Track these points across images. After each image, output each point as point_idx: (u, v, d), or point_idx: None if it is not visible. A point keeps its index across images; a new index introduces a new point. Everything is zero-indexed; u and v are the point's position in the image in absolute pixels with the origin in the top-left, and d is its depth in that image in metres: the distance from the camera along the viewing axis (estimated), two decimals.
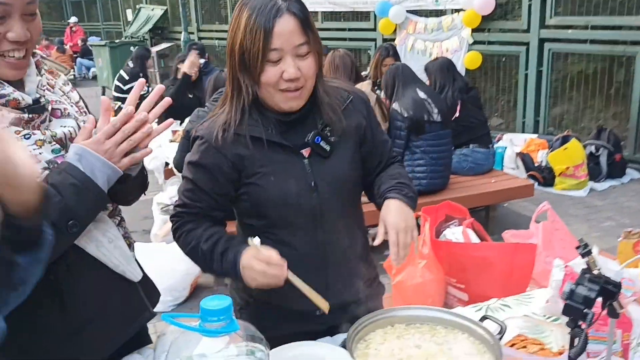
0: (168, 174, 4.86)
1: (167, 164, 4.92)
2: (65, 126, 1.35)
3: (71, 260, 1.32)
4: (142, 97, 1.41)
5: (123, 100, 7.68)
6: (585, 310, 1.03)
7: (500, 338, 1.38)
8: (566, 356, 1.33)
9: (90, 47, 14.75)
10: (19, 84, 1.30)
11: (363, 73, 5.33)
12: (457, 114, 4.56)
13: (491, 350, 1.31)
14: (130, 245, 1.52)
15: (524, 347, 1.54)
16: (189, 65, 5.75)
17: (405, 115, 3.98)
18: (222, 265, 1.44)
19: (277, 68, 1.40)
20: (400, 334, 1.39)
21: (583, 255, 1.29)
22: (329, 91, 1.55)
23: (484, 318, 1.47)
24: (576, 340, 1.05)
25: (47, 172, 1.27)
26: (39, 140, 1.28)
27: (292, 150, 1.51)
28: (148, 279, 1.62)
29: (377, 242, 1.46)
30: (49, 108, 1.33)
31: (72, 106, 1.42)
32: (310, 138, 1.50)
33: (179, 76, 5.88)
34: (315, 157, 1.52)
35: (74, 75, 15.79)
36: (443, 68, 4.69)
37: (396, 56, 5.29)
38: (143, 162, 1.43)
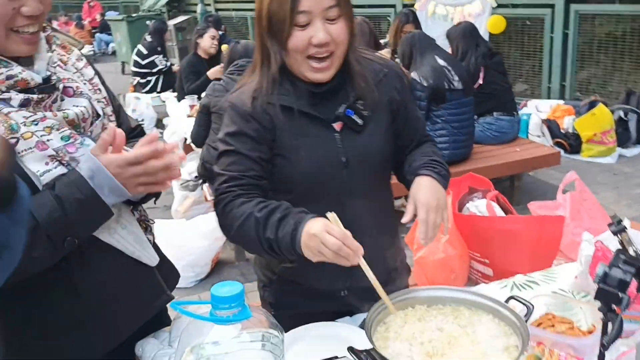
0: (187, 149, 4.84)
1: (186, 139, 4.90)
2: (77, 106, 1.29)
3: (84, 247, 1.28)
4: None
5: (141, 75, 7.76)
6: (620, 295, 0.96)
7: (527, 319, 1.32)
8: (596, 335, 1.27)
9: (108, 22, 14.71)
10: (28, 62, 1.24)
11: (382, 41, 5.20)
12: (480, 81, 4.43)
13: (517, 332, 1.25)
14: (148, 229, 1.48)
15: (552, 325, 1.49)
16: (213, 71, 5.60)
17: (425, 84, 3.86)
18: (277, 231, 1.31)
19: (305, 32, 1.33)
20: (422, 316, 1.33)
21: (615, 233, 1.21)
22: (362, 62, 1.47)
23: (510, 298, 1.41)
24: (609, 326, 0.98)
25: (57, 169, 1.22)
26: (48, 127, 1.22)
27: (323, 123, 1.44)
28: (166, 262, 1.59)
29: (405, 220, 1.40)
30: (60, 87, 1.28)
31: (85, 84, 1.36)
32: (341, 111, 1.43)
33: (198, 51, 5.89)
34: (347, 131, 1.46)
35: (94, 51, 15.81)
36: (466, 33, 4.53)
37: (416, 22, 5.14)
38: None
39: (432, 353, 1.20)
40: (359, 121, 1.45)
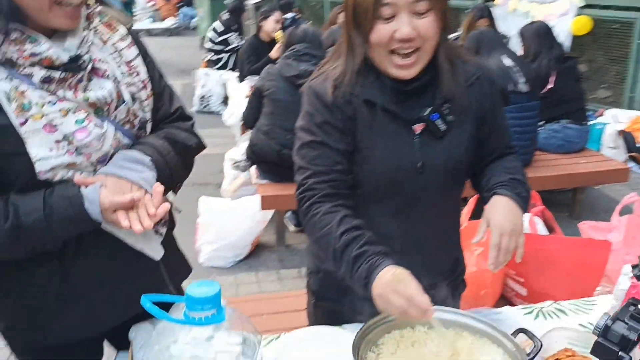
0: (243, 129, 4.87)
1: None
2: (102, 88, 1.26)
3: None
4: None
5: (215, 52, 7.86)
6: (620, 354, 0.84)
7: (533, 357, 1.21)
8: None
9: None
10: (61, 37, 1.22)
11: (451, 35, 5.00)
12: (550, 85, 4.17)
13: None
14: (160, 221, 1.40)
15: None
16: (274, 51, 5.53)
17: None
18: (352, 273, 1.25)
19: (389, 26, 1.25)
20: (418, 339, 1.25)
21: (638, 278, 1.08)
22: (455, 61, 1.37)
23: (519, 331, 1.30)
24: None
25: (60, 158, 1.21)
26: (64, 109, 1.20)
27: (404, 123, 1.36)
28: (177, 256, 1.56)
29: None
30: (89, 67, 1.24)
31: (120, 66, 1.32)
32: (427, 113, 1.34)
33: (261, 34, 5.90)
34: (427, 135, 1.36)
35: (177, 24, 16.22)
36: (539, 33, 4.27)
37: (491, 18, 4.92)
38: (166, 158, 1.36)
39: None
40: (442, 126, 1.36)
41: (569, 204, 4.42)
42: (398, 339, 1.25)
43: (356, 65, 1.34)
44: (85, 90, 1.24)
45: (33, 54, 1.16)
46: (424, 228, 1.43)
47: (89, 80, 1.25)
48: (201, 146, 1.49)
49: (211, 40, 8.08)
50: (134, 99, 1.34)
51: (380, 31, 1.26)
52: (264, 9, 6.21)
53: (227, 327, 1.01)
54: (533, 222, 2.29)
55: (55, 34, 1.21)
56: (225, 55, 7.82)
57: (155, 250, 1.40)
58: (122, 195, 1.21)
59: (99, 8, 1.32)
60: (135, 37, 1.40)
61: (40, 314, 1.33)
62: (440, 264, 1.51)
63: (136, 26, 15.22)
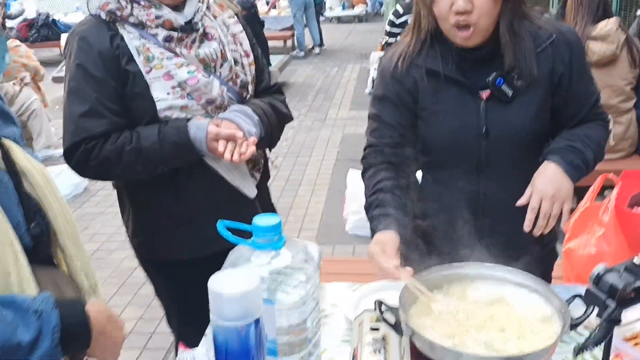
0: None
1: None
2: (210, 47, 1.58)
3: (193, 164, 1.58)
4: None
5: (392, 34, 8.02)
6: (607, 301, 0.85)
7: (581, 320, 1.16)
8: None
9: None
10: (179, 9, 1.55)
11: None
12: None
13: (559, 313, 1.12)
14: (256, 167, 1.70)
15: None
16: None
17: None
18: (371, 225, 1.43)
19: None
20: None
21: None
22: (519, 31, 1.39)
23: (575, 297, 1.25)
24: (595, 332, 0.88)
25: (175, 101, 1.52)
26: (179, 62, 1.53)
27: (469, 89, 1.43)
28: (269, 204, 1.82)
29: (518, 203, 1.38)
30: (201, 30, 1.56)
31: (226, 35, 1.63)
32: (491, 79, 1.40)
33: None
34: (494, 101, 1.42)
35: (366, 10, 16.62)
36: None
37: None
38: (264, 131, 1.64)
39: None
40: (509, 92, 1.40)
41: None
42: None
43: (421, 37, 1.42)
44: (197, 49, 1.55)
45: (157, 17, 1.51)
46: (497, 192, 1.45)
47: (201, 41, 1.57)
48: (291, 117, 1.80)
49: (391, 23, 8.22)
50: (236, 62, 1.63)
51: (441, 3, 1.33)
52: None
53: (287, 250, 1.16)
54: None
55: (177, 6, 1.54)
56: None
57: (249, 190, 1.66)
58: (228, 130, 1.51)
59: None
60: (243, 22, 1.71)
61: (158, 232, 1.66)
62: (519, 230, 1.49)
63: (327, 14, 15.97)
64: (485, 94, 1.41)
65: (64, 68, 1.60)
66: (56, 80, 7.75)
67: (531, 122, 1.42)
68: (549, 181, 1.35)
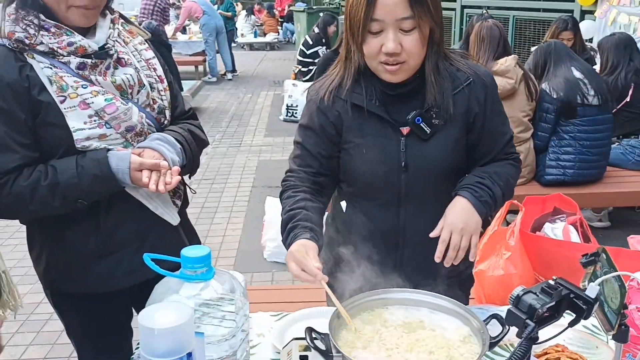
0: None
1: None
2: (126, 74, 1.54)
3: (114, 194, 1.52)
4: None
5: (304, 64, 8.16)
6: (526, 321, 0.91)
7: (499, 339, 1.23)
8: None
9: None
10: (92, 34, 1.50)
11: (533, 48, 4.90)
12: (628, 99, 4.00)
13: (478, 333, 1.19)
14: (177, 194, 1.67)
15: (558, 359, 1.39)
16: None
17: (555, 96, 3.60)
18: (286, 241, 1.43)
19: (377, 40, 1.36)
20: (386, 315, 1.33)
21: (585, 265, 1.12)
22: (442, 71, 1.45)
23: (492, 317, 1.33)
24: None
25: (92, 130, 1.46)
26: (94, 91, 1.47)
27: (390, 125, 1.47)
28: (190, 229, 1.79)
29: (431, 235, 1.42)
30: (115, 56, 1.53)
31: (140, 61, 1.60)
32: (410, 117, 1.45)
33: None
34: (413, 137, 1.47)
35: (278, 39, 16.87)
36: (619, 45, 4.12)
37: (576, 29, 4.76)
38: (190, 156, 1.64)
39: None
40: (427, 129, 1.45)
41: None
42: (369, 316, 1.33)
43: (350, 72, 1.46)
44: (112, 75, 1.51)
45: (70, 44, 1.45)
46: (416, 224, 1.51)
47: (115, 67, 1.53)
48: (208, 142, 1.78)
49: (302, 53, 8.43)
50: (152, 87, 1.60)
51: (370, 43, 1.37)
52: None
53: (216, 281, 1.14)
54: (567, 231, 2.27)
55: (87, 31, 1.50)
56: (313, 68, 8.11)
57: (172, 217, 1.63)
58: (151, 159, 1.48)
59: (121, 20, 1.61)
60: (153, 47, 1.69)
61: (76, 266, 1.57)
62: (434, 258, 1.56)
63: (239, 40, 16.04)
64: (405, 130, 1.47)
65: None
66: None
67: (447, 158, 1.48)
68: (459, 215, 1.41)
